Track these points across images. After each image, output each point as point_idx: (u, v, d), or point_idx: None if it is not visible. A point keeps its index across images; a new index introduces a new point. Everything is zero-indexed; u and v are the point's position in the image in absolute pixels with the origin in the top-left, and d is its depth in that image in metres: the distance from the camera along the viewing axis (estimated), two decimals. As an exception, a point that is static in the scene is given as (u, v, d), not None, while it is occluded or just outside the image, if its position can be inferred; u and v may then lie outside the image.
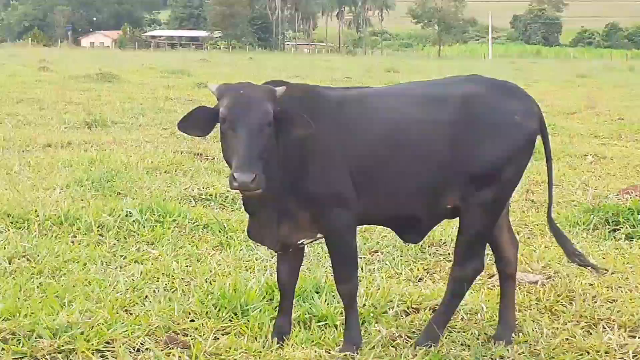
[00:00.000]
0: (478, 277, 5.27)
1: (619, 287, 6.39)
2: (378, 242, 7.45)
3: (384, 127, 4.85)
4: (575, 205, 8.97)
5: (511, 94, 5.10)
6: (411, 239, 5.30)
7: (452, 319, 5.35)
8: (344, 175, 4.73)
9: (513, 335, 5.26)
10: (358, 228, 5.13)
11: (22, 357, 4.64)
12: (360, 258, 6.93)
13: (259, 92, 4.48)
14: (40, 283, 5.88)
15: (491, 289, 6.22)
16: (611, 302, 5.99)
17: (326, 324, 5.36)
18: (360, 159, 4.78)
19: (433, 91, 5.08)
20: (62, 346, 4.76)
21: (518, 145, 4.96)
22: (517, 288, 6.17)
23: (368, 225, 6.85)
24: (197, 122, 4.59)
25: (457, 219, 5.07)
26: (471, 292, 5.85)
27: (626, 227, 8.01)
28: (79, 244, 7.08)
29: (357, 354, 4.89)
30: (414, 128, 4.86)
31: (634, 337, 5.32)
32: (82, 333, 4.90)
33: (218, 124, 4.49)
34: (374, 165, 4.82)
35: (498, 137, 4.91)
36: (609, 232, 8.01)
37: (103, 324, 5.04)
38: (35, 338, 4.82)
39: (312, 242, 5.09)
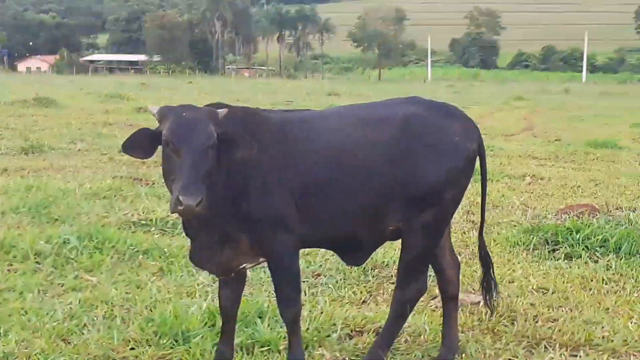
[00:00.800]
0: (421, 298, 5.28)
1: (560, 306, 6.45)
2: (321, 265, 7.43)
3: (325, 149, 4.84)
4: (515, 226, 9.07)
5: (451, 116, 5.11)
6: (354, 261, 5.27)
7: (395, 341, 5.35)
8: (286, 197, 4.69)
9: (456, 356, 5.27)
10: (301, 251, 5.11)
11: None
12: (304, 281, 6.91)
13: (201, 114, 4.41)
14: (-26, 313, 5.77)
15: (434, 310, 6.23)
16: (552, 322, 6.04)
17: (269, 349, 5.32)
18: (302, 180, 4.74)
19: (374, 113, 5.08)
20: (-2, 377, 4.67)
21: (458, 166, 4.97)
22: (460, 309, 6.22)
23: (310, 248, 6.81)
24: (139, 143, 4.48)
25: (400, 240, 5.07)
26: (414, 314, 5.84)
27: (565, 247, 8.09)
28: (15, 272, 6.92)
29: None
30: (355, 149, 4.87)
31: (575, 356, 5.37)
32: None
33: (160, 147, 4.42)
34: (316, 187, 4.79)
35: (438, 158, 4.92)
36: (549, 252, 8.09)
37: (40, 354, 4.95)
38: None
39: (254, 266, 5.05)
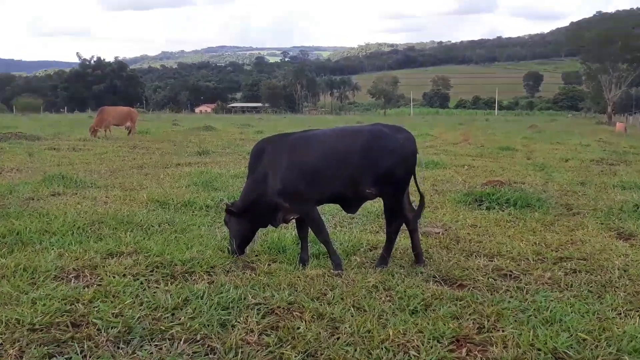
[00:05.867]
0: (400, 229, 5.12)
1: (483, 234, 6.33)
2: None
3: (325, 149, 4.76)
4: (459, 192, 8.92)
5: (399, 130, 4.92)
6: (350, 211, 5.10)
7: (393, 253, 5.30)
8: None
9: (425, 260, 5.19)
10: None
11: (165, 276, 4.60)
12: (345, 221, 6.92)
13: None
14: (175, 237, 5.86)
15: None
16: (479, 242, 5.93)
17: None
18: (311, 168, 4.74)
19: (354, 128, 5.02)
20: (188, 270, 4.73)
21: (402, 158, 4.78)
22: (428, 236, 6.15)
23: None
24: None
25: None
26: (404, 238, 5.80)
27: (486, 203, 7.95)
28: (195, 216, 6.99)
29: (343, 271, 4.79)
30: (341, 149, 4.75)
31: (492, 261, 5.27)
32: (198, 263, 4.87)
33: None
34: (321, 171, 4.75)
35: (389, 153, 4.73)
36: (477, 205, 7.95)
37: (209, 258, 4.98)
38: (173, 265, 4.80)
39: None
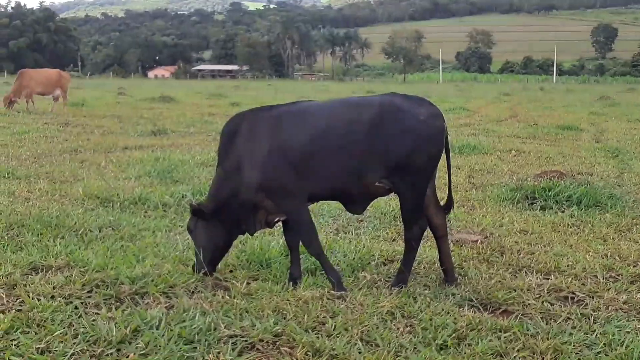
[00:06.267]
0: (424, 235, 5.11)
1: (536, 243, 6.36)
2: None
3: (320, 128, 4.77)
4: (504, 186, 8.93)
5: (418, 103, 4.85)
6: (354, 211, 5.11)
7: (415, 267, 5.30)
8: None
9: (457, 278, 5.19)
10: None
11: (108, 298, 4.59)
12: (351, 225, 6.93)
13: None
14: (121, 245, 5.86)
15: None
16: (530, 254, 5.96)
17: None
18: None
19: (360, 100, 5.03)
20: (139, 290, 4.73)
21: (422, 139, 4.72)
22: (462, 245, 6.19)
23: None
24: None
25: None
26: (430, 248, 5.83)
27: (540, 201, 7.99)
28: (149, 217, 7.00)
29: (347, 292, 4.78)
30: (341, 128, 4.73)
31: (548, 279, 5.30)
32: (152, 281, 4.86)
33: None
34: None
35: (406, 133, 4.68)
36: (528, 204, 7.99)
37: (167, 274, 4.96)
38: (119, 284, 4.79)
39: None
